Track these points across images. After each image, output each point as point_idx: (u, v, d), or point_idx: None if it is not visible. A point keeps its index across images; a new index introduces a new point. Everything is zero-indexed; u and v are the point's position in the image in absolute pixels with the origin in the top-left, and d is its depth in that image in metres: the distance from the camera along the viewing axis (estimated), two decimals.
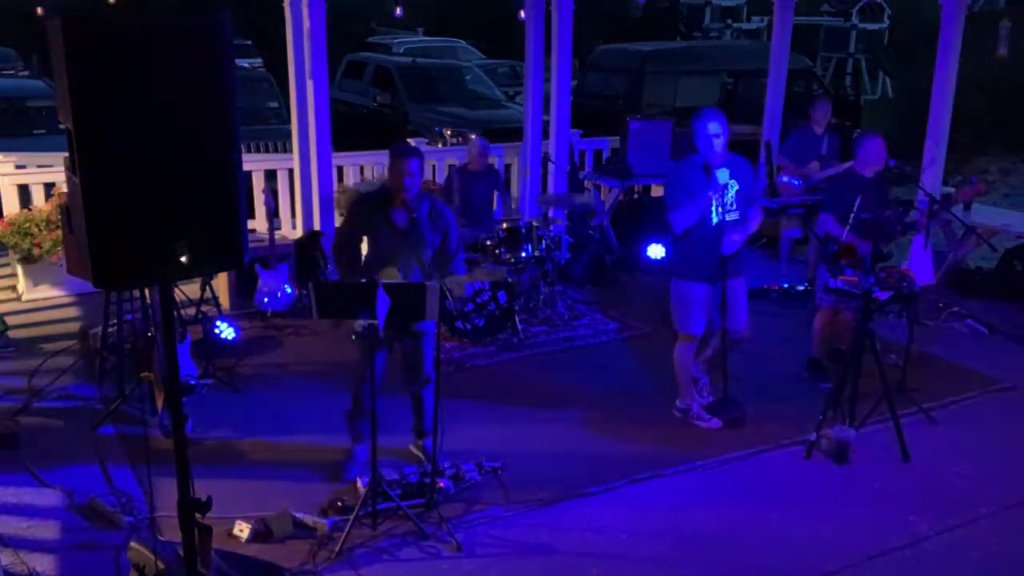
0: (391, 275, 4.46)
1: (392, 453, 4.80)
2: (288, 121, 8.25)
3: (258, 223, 7.66)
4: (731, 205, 5.10)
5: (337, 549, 4.05)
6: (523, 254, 6.91)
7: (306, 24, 7.20)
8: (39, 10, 21.36)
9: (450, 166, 8.18)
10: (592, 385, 6.02)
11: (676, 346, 5.46)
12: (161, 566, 3.58)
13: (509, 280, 6.62)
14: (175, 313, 5.43)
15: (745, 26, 22.92)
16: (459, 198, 7.23)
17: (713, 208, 5.05)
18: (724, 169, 4.96)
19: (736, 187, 5.08)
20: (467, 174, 7.36)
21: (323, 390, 5.47)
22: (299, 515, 4.26)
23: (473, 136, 7.71)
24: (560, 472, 4.83)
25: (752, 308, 5.56)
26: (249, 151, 9.79)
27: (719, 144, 4.98)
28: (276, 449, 5.01)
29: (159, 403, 5.10)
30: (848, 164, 6.25)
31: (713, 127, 4.96)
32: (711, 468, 4.98)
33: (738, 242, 5.10)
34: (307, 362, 6.12)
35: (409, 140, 9.66)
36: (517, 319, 6.73)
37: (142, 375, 5.24)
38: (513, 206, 7.92)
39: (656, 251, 7.92)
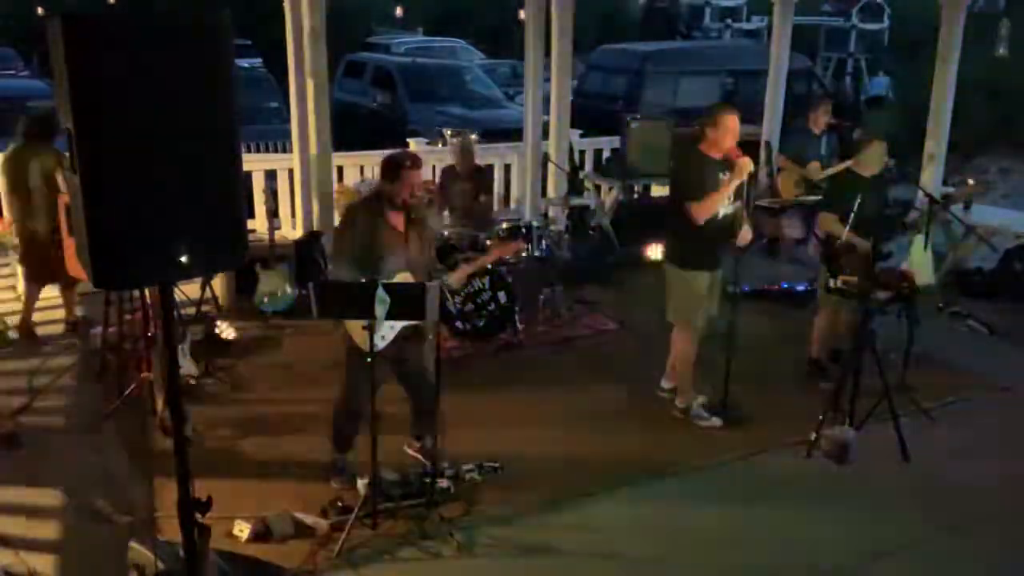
0: (404, 279, 4.49)
1: (392, 453, 4.79)
2: (288, 121, 8.25)
3: (258, 223, 7.66)
4: (733, 198, 5.17)
5: (337, 549, 4.05)
6: (523, 254, 6.90)
7: (306, 24, 7.19)
8: (39, 10, 21.36)
9: (444, 167, 8.18)
10: (592, 385, 6.01)
11: (679, 343, 5.46)
12: (161, 566, 3.58)
13: (509, 280, 6.62)
14: (175, 313, 5.43)
15: (745, 26, 22.89)
16: (448, 198, 7.24)
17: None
18: (747, 159, 5.08)
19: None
20: (454, 174, 7.37)
21: (323, 390, 5.45)
22: (299, 515, 4.26)
23: (457, 138, 7.71)
24: (560, 472, 4.83)
25: (752, 308, 5.57)
26: (249, 151, 9.78)
27: (734, 140, 5.14)
28: (276, 449, 5.00)
29: (159, 403, 5.10)
30: (847, 163, 6.25)
31: (735, 121, 5.13)
32: (711, 468, 4.98)
33: (749, 234, 5.26)
34: (307, 362, 6.12)
35: (409, 140, 9.70)
36: (517, 319, 6.73)
37: (142, 375, 5.24)
38: (495, 209, 7.91)
39: (656, 251, 7.92)
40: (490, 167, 8.19)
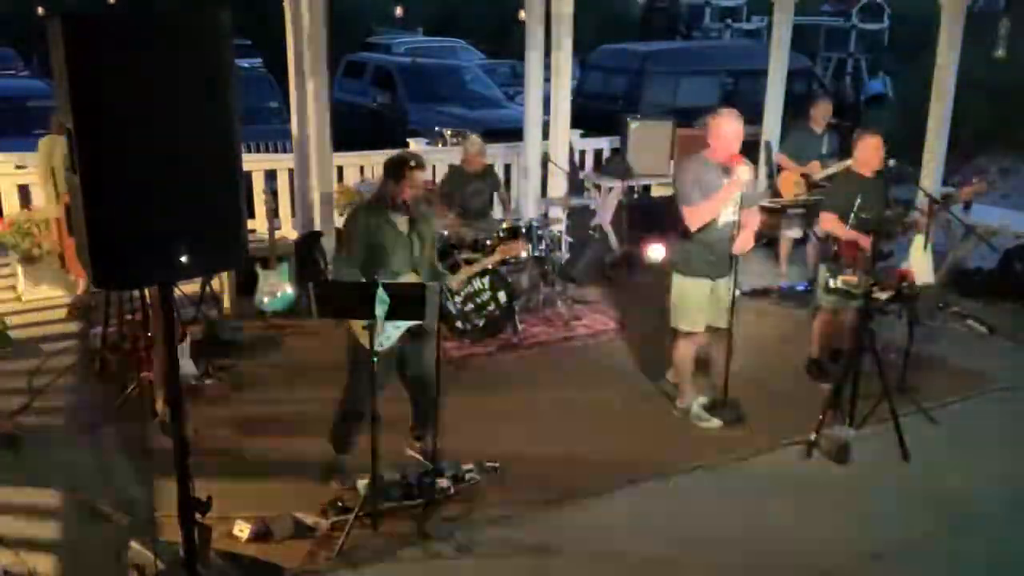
0: (408, 279, 4.49)
1: (391, 454, 4.79)
2: (288, 121, 8.25)
3: (258, 223, 7.66)
4: (736, 205, 5.11)
5: (337, 549, 4.04)
6: (523, 254, 6.90)
7: (306, 24, 7.19)
8: (39, 10, 21.36)
9: (449, 165, 8.18)
10: (592, 385, 6.01)
11: (676, 345, 5.47)
12: (161, 566, 3.59)
13: (509, 280, 6.62)
14: (175, 313, 5.43)
15: (745, 26, 22.86)
16: (456, 198, 7.23)
17: (724, 207, 5.09)
18: (745, 168, 4.99)
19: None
20: (464, 174, 7.36)
21: (323, 390, 5.46)
22: (299, 515, 4.26)
23: (471, 135, 7.70)
24: (560, 472, 4.83)
25: (752, 308, 5.57)
26: (249, 151, 9.78)
27: (736, 145, 5.05)
28: (276, 449, 5.00)
29: (159, 403, 5.10)
30: (847, 163, 6.25)
31: (735, 127, 5.04)
32: (711, 468, 4.97)
33: (750, 243, 5.18)
34: (307, 362, 6.12)
35: (409, 140, 9.70)
36: (517, 319, 6.73)
37: (142, 375, 5.25)
38: (512, 207, 7.92)
39: (656, 251, 7.92)
40: (491, 167, 8.18)
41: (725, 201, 5.05)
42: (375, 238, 4.48)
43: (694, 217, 5.07)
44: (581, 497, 4.62)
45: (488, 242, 6.69)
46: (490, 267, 6.36)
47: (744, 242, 5.15)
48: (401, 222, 4.55)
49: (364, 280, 4.35)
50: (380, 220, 4.51)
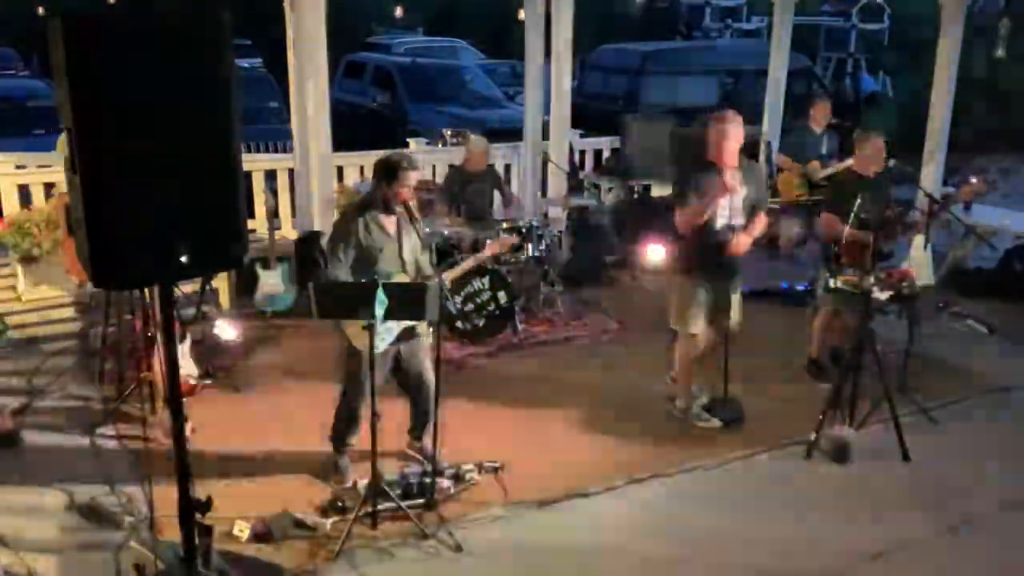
0: (399, 280, 4.49)
1: (391, 453, 4.79)
2: (288, 121, 8.25)
3: (258, 223, 7.66)
4: (738, 209, 5.10)
5: (337, 549, 4.04)
6: (523, 254, 6.90)
7: (306, 24, 7.19)
8: (39, 10, 21.34)
9: (449, 165, 8.17)
10: (592, 385, 6.01)
11: (676, 346, 5.47)
12: (161, 566, 3.59)
13: (509, 280, 6.62)
14: (175, 313, 5.43)
15: (745, 26, 22.86)
16: (458, 198, 7.22)
17: (721, 210, 5.06)
18: (736, 171, 4.97)
19: (744, 192, 5.07)
20: (466, 174, 7.35)
21: (323, 390, 5.47)
22: (299, 515, 4.26)
23: (472, 136, 7.70)
24: (560, 472, 4.83)
25: (752, 308, 5.57)
26: (249, 151, 9.78)
27: (734, 147, 5.00)
28: (276, 449, 5.00)
29: (159, 403, 5.10)
30: (847, 163, 6.25)
31: (730, 130, 4.99)
32: (711, 468, 4.97)
33: (746, 246, 5.15)
34: (307, 362, 6.12)
35: (409, 140, 9.70)
36: (517, 319, 6.73)
37: (142, 375, 5.24)
38: (516, 203, 7.92)
39: (656, 251, 7.92)
40: (491, 167, 8.19)
41: (712, 205, 5.01)
42: (364, 239, 4.47)
43: (682, 219, 5.07)
44: (581, 497, 4.62)
45: (488, 242, 6.68)
46: (489, 266, 6.36)
47: (740, 244, 5.13)
48: (391, 224, 4.55)
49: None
50: (370, 222, 4.50)
